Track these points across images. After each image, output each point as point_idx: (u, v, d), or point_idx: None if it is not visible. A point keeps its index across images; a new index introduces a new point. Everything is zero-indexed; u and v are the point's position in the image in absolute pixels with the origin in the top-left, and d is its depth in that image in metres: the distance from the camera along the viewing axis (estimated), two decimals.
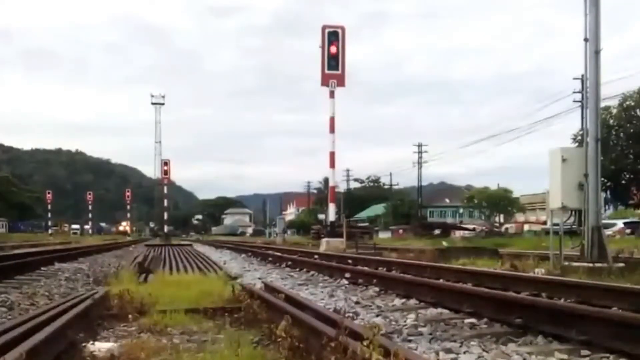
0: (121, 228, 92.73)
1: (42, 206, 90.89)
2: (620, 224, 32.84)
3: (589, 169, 10.84)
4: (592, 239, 10.52)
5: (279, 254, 17.54)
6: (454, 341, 4.47)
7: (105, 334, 4.91)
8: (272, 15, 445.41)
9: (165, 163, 63.07)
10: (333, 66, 25.34)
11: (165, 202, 62.68)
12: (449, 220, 70.14)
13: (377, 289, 7.96)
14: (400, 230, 55.57)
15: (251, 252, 21.23)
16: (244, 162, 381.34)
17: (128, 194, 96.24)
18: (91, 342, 4.29)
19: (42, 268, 11.99)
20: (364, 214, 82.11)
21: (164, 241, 45.35)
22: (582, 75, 16.20)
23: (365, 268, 10.58)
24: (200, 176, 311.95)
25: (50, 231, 76.56)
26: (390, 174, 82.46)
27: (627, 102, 35.68)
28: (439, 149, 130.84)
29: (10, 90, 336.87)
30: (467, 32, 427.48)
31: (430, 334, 4.79)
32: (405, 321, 5.48)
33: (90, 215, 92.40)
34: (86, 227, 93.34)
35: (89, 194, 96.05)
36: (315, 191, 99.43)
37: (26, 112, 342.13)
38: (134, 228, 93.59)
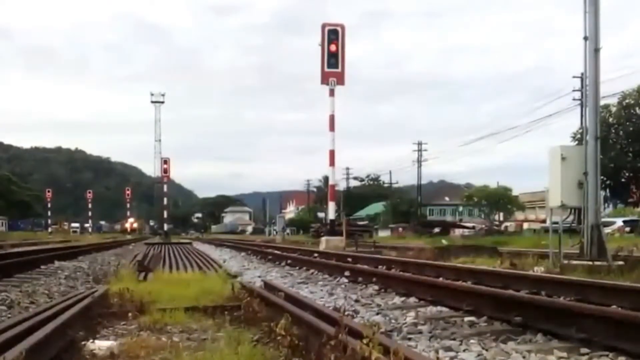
0: (127, 225, 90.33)
1: (41, 205, 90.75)
2: (619, 222, 32.86)
3: (588, 167, 10.84)
4: (592, 237, 10.52)
5: (278, 252, 17.56)
6: (454, 339, 4.48)
7: (105, 332, 4.92)
8: (272, 14, 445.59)
9: (165, 161, 63.04)
10: (333, 64, 25.34)
11: (165, 201, 62.66)
12: (449, 218, 70.18)
13: (376, 287, 7.97)
14: (400, 229, 55.59)
15: (251, 250, 21.23)
16: (243, 160, 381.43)
17: (128, 192, 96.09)
18: (91, 340, 4.30)
19: (42, 266, 11.98)
20: (363, 212, 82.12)
21: (164, 239, 45.33)
22: (582, 74, 16.19)
23: (365, 266, 10.59)
24: (200, 174, 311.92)
25: (50, 230, 76.51)
26: (390, 173, 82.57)
27: (627, 101, 35.69)
28: (438, 147, 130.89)
29: (10, 89, 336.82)
30: (466, 30, 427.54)
31: (430, 332, 4.79)
32: (405, 319, 5.48)
33: (90, 214, 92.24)
34: (86, 225, 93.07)
35: (89, 192, 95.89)
36: (314, 190, 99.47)
37: (26, 111, 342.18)
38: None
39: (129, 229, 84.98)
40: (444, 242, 27.16)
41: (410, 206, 67.68)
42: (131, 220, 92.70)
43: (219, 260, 15.86)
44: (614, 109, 35.52)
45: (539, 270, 9.18)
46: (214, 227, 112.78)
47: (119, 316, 5.45)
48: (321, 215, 64.64)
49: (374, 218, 72.55)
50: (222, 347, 4.04)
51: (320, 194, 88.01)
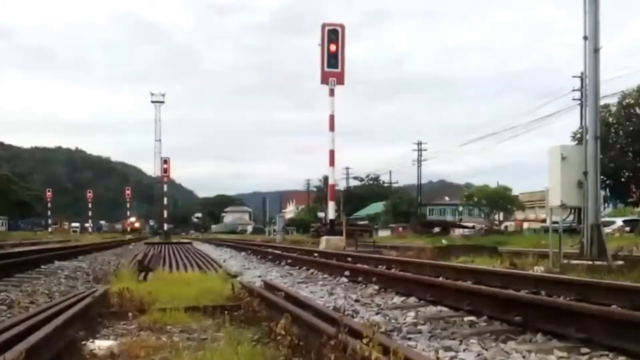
0: (129, 224, 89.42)
1: (42, 204, 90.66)
2: (619, 221, 32.90)
3: (588, 166, 10.84)
4: (592, 236, 10.53)
5: (278, 252, 17.56)
6: (454, 339, 4.48)
7: (105, 332, 4.92)
8: (271, 14, 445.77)
9: (165, 161, 63.07)
10: (333, 64, 25.35)
11: (165, 200, 62.69)
12: (449, 218, 70.24)
13: (376, 287, 7.97)
14: (400, 228, 55.61)
15: (251, 250, 21.23)
16: (243, 160, 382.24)
17: (128, 192, 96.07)
18: (91, 340, 4.30)
19: (42, 266, 11.98)
20: (363, 212, 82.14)
21: (164, 239, 45.33)
22: (582, 74, 16.20)
23: (365, 266, 10.59)
24: (200, 174, 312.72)
25: (50, 229, 76.48)
26: (390, 172, 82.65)
27: (627, 100, 35.63)
28: (438, 147, 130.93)
29: (10, 88, 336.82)
30: (467, 30, 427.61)
31: (430, 332, 4.79)
32: (404, 319, 5.48)
33: (90, 214, 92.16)
34: (86, 225, 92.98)
35: (89, 192, 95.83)
36: (314, 189, 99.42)
37: (26, 110, 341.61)
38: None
39: (129, 229, 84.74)
40: (444, 241, 27.16)
41: (410, 206, 67.69)
42: (132, 219, 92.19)
43: (219, 260, 15.85)
44: (614, 109, 35.47)
45: (539, 270, 9.18)
46: (214, 227, 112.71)
47: (119, 316, 5.45)
48: (321, 215, 64.63)
49: (374, 218, 72.54)
50: (222, 347, 4.04)
51: (320, 194, 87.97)
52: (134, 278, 8.74)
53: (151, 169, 79.35)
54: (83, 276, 10.41)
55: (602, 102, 19.29)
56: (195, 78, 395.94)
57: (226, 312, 5.41)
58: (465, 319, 5.32)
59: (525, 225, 50.65)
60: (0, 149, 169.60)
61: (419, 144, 65.06)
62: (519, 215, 55.86)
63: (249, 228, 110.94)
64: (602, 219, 12.83)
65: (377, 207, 78.78)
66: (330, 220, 27.16)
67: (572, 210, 11.47)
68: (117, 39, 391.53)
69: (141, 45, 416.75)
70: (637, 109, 35.69)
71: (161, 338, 4.54)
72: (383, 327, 4.84)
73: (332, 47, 25.33)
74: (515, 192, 52.95)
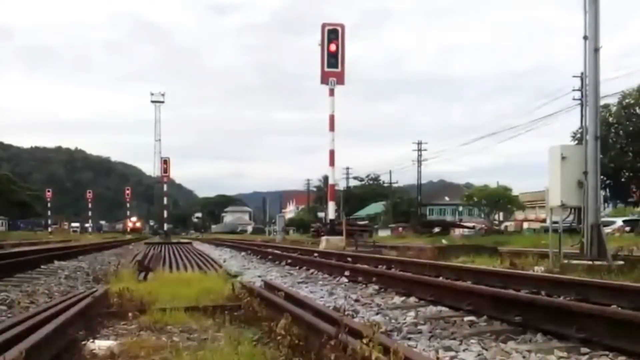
0: (130, 224, 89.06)
1: (42, 204, 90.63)
2: (619, 221, 32.88)
3: (588, 166, 10.84)
4: (592, 236, 10.52)
5: (278, 252, 17.56)
6: (454, 339, 4.48)
7: (105, 332, 4.92)
8: (272, 13, 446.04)
9: (165, 161, 63.09)
10: (333, 64, 25.34)
11: (165, 200, 62.71)
12: (449, 218, 70.24)
13: (376, 286, 7.97)
14: (400, 228, 55.59)
15: (251, 250, 21.24)
16: (243, 160, 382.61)
17: (128, 192, 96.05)
18: (91, 340, 4.30)
19: (42, 266, 11.99)
20: (363, 212, 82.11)
21: (164, 239, 45.33)
22: (582, 73, 16.20)
23: (365, 266, 10.59)
24: (200, 174, 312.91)
25: (50, 229, 76.44)
26: (390, 172, 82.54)
27: (627, 100, 35.66)
28: (438, 147, 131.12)
29: (11, 88, 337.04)
30: (467, 29, 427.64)
31: (430, 332, 4.79)
32: (404, 319, 5.49)
33: (90, 214, 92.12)
34: (86, 225, 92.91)
35: (89, 192, 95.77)
36: (314, 189, 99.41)
37: (26, 110, 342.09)
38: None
39: (129, 229, 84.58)
40: (444, 241, 27.16)
41: (410, 206, 67.70)
42: (134, 219, 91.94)
43: (219, 260, 15.85)
44: (614, 109, 35.49)
45: (539, 270, 9.18)
46: (214, 227, 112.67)
47: (119, 316, 5.44)
48: (321, 215, 64.67)
49: (374, 218, 72.54)
50: (222, 347, 4.04)
51: (320, 194, 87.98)
52: (134, 278, 8.74)
53: (151, 169, 79.54)
54: (83, 276, 10.41)
55: (602, 102, 19.31)
56: (195, 78, 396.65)
57: (226, 312, 5.41)
58: (465, 319, 5.32)
59: (525, 225, 50.64)
60: (0, 149, 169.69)
61: (419, 144, 65.13)
62: (519, 215, 55.87)
63: (249, 228, 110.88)
64: (602, 219, 12.83)
65: (377, 207, 78.77)
66: (330, 220, 27.15)
67: (572, 210, 11.47)
68: (117, 38, 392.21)
69: (141, 45, 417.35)
70: (637, 109, 35.71)
71: (161, 338, 4.54)
72: (383, 327, 4.84)
73: (332, 47, 25.31)
74: (515, 192, 52.97)
